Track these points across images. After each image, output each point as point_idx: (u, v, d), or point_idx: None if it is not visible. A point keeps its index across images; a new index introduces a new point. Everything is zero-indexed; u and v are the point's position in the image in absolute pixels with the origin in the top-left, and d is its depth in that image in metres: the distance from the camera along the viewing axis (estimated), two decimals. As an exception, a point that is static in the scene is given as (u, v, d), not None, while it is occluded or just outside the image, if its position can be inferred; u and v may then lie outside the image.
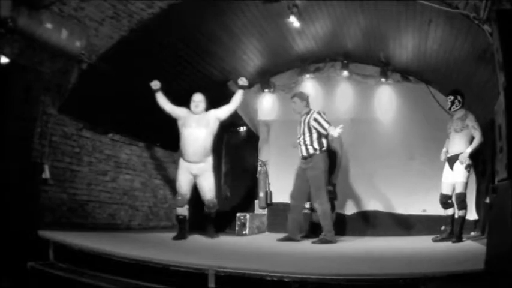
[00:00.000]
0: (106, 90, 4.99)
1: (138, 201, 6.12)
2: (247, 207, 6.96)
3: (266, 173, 6.98)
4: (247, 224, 6.03)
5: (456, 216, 4.73)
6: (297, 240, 4.89)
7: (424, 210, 6.17)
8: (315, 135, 4.85)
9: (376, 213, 6.50)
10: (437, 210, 5.19)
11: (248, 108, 6.97)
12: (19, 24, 3.74)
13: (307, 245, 4.59)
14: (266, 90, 7.22)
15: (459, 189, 4.62)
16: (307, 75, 7.01)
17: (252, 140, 7.44)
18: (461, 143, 4.65)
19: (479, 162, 5.55)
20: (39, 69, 4.27)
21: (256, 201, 7.01)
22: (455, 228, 4.66)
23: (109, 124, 5.51)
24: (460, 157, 4.59)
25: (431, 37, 5.18)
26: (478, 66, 4.78)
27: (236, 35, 5.65)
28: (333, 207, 5.85)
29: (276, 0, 4.93)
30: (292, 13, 5.07)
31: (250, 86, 6.14)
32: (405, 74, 6.69)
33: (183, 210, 4.80)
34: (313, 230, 5.53)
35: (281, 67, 7.07)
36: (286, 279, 2.35)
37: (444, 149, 4.92)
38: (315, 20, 5.57)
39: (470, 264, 2.58)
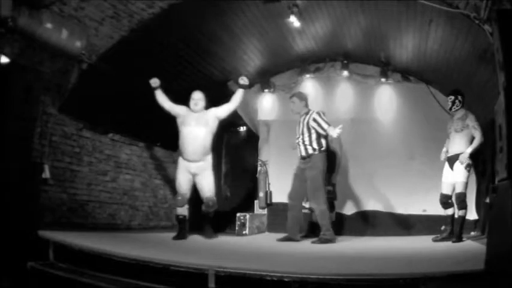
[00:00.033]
0: (106, 90, 4.99)
1: (138, 201, 6.13)
2: (247, 207, 6.96)
3: (266, 173, 6.98)
4: (247, 224, 6.03)
5: (456, 216, 4.73)
6: (297, 240, 4.89)
7: (424, 210, 6.17)
8: (314, 136, 4.85)
9: (376, 213, 6.50)
10: (437, 210, 5.18)
11: (248, 108, 6.97)
12: (19, 24, 3.74)
13: (307, 245, 4.58)
14: (266, 90, 7.22)
15: (459, 189, 4.62)
16: (307, 75, 7.01)
17: (252, 140, 7.44)
18: (461, 143, 4.65)
19: (479, 162, 5.55)
20: (39, 69, 4.27)
21: (256, 201, 7.01)
22: (455, 228, 4.66)
23: (109, 124, 5.51)
24: (460, 157, 4.59)
25: (431, 37, 5.18)
26: (478, 66, 4.78)
27: (236, 35, 5.65)
28: (332, 207, 5.85)
29: (277, 0, 4.93)
30: (292, 13, 5.07)
31: (251, 85, 6.14)
32: (405, 74, 6.69)
33: (183, 210, 4.79)
34: (312, 230, 5.53)
35: (281, 67, 7.07)
36: (286, 279, 2.35)
37: (444, 149, 4.92)
38: (315, 20, 5.57)
39: (470, 264, 2.58)
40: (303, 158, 4.92)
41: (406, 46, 5.83)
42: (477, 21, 3.84)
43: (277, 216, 6.44)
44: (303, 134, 4.91)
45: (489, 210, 3.80)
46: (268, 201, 6.85)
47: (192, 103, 4.79)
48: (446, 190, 4.79)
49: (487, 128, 4.59)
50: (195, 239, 4.87)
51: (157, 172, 6.55)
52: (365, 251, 4.18)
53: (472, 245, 4.20)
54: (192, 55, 5.65)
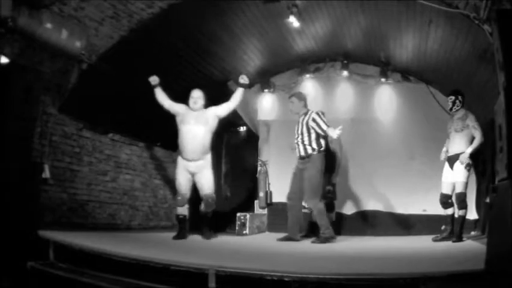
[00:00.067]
0: (106, 90, 4.99)
1: (138, 201, 6.13)
2: (248, 207, 6.96)
3: (266, 172, 6.98)
4: (247, 224, 6.03)
5: (456, 215, 4.74)
6: (297, 240, 4.89)
7: (424, 210, 6.17)
8: (313, 136, 4.84)
9: (376, 213, 6.50)
10: (437, 210, 5.19)
11: (248, 108, 6.97)
12: (19, 24, 3.74)
13: (307, 245, 4.59)
14: (266, 90, 7.22)
15: (459, 188, 4.62)
16: (307, 75, 7.01)
17: (252, 140, 7.44)
18: (461, 143, 4.66)
19: (479, 162, 5.56)
20: (39, 69, 4.27)
21: (256, 201, 7.01)
22: (456, 228, 4.67)
23: (109, 124, 5.51)
24: (460, 157, 4.59)
25: (431, 37, 5.19)
26: (478, 66, 4.78)
27: (236, 35, 5.65)
28: (332, 207, 5.85)
29: (277, 0, 4.93)
30: (292, 13, 5.07)
31: (251, 85, 6.14)
32: (405, 74, 6.69)
33: (183, 210, 4.78)
34: (312, 230, 5.53)
35: (281, 67, 7.08)
36: (286, 279, 2.35)
37: (444, 149, 4.93)
38: (315, 20, 5.57)
39: (471, 264, 2.58)
40: (301, 158, 4.91)
41: (406, 46, 5.83)
42: (477, 21, 3.84)
43: (277, 216, 6.44)
44: (302, 134, 4.90)
45: (489, 210, 3.80)
46: (268, 201, 6.85)
47: (191, 101, 4.76)
48: (446, 190, 4.79)
49: (487, 128, 4.59)
50: (195, 238, 4.86)
51: (157, 172, 6.55)
52: (365, 251, 4.18)
53: (472, 245, 4.20)
54: (192, 55, 5.65)
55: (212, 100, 4.98)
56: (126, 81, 5.05)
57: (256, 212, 6.92)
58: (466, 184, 4.64)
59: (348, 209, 6.60)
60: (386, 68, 6.60)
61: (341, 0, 5.08)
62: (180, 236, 4.68)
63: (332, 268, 2.74)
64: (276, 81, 7.24)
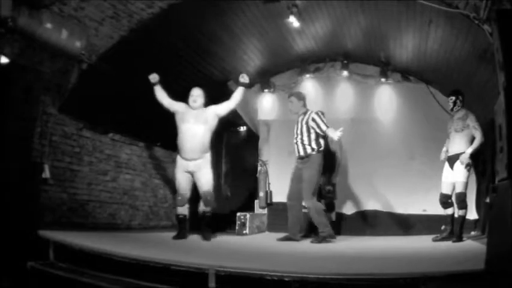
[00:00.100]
0: (106, 90, 4.99)
1: (138, 201, 6.13)
2: (248, 206, 6.97)
3: (266, 172, 6.98)
4: (248, 224, 6.03)
5: (456, 215, 4.74)
6: (297, 240, 4.89)
7: (424, 210, 6.17)
8: (313, 136, 4.84)
9: (376, 213, 6.50)
10: (437, 210, 5.18)
11: (248, 108, 6.97)
12: (19, 24, 3.74)
13: (307, 245, 4.59)
14: (266, 90, 7.22)
15: (459, 188, 4.62)
16: (307, 75, 7.01)
17: (252, 139, 7.44)
18: (461, 142, 4.66)
19: (480, 162, 5.56)
20: (39, 69, 4.27)
21: (256, 201, 7.01)
22: (455, 228, 4.67)
23: (109, 124, 5.51)
24: (461, 157, 4.59)
25: (431, 37, 5.19)
26: (478, 66, 4.78)
27: (236, 35, 5.65)
28: (332, 207, 5.86)
29: (277, 0, 4.93)
30: (292, 13, 5.07)
31: (251, 85, 6.13)
32: (405, 74, 6.69)
33: (183, 210, 4.76)
34: (312, 230, 5.53)
35: (281, 67, 7.08)
36: (286, 279, 2.35)
37: (444, 148, 4.93)
38: (315, 20, 5.57)
39: (471, 264, 2.58)
40: (301, 157, 4.91)
41: (406, 46, 5.83)
42: (477, 21, 3.84)
43: (278, 215, 6.44)
44: (301, 133, 4.89)
45: (489, 210, 3.80)
46: (269, 201, 6.85)
47: (190, 100, 4.72)
48: (446, 190, 4.79)
49: (487, 128, 4.59)
50: (195, 238, 4.86)
51: (157, 172, 6.55)
52: (365, 251, 4.18)
53: (472, 245, 4.20)
54: (192, 55, 5.65)
55: (212, 100, 4.98)
56: (126, 81, 5.04)
57: (256, 211, 6.92)
58: (466, 184, 4.64)
59: (348, 209, 6.60)
60: (386, 68, 6.60)
61: (341, 0, 5.08)
62: (180, 235, 4.67)
63: (332, 268, 2.74)
64: (276, 81, 7.23)
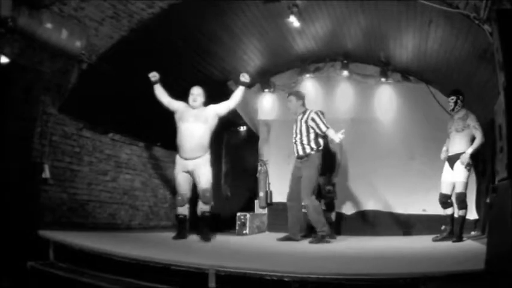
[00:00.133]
0: (106, 90, 4.99)
1: (138, 201, 6.13)
2: (248, 206, 6.97)
3: (266, 172, 6.98)
4: (248, 224, 6.03)
5: (456, 215, 4.74)
6: (297, 240, 4.88)
7: (424, 210, 6.17)
8: (312, 135, 4.82)
9: (376, 213, 6.51)
10: (437, 210, 5.18)
11: (248, 107, 6.97)
12: (19, 24, 3.74)
13: (307, 245, 4.58)
14: (266, 90, 7.23)
15: (459, 189, 4.62)
16: (307, 75, 7.02)
17: (252, 139, 7.44)
18: (461, 142, 4.65)
19: (479, 162, 5.56)
20: (39, 69, 4.27)
21: (256, 201, 7.01)
22: (455, 228, 4.67)
23: (109, 124, 5.51)
24: (461, 157, 4.59)
25: (431, 37, 5.19)
26: (478, 66, 4.78)
27: (236, 35, 5.65)
28: (332, 207, 5.85)
29: (277, 0, 4.93)
30: (292, 13, 5.07)
31: (251, 85, 6.13)
32: (405, 73, 6.69)
33: (184, 210, 4.74)
34: (312, 230, 5.54)
35: (281, 67, 7.08)
36: (286, 279, 2.35)
37: (444, 148, 4.92)
38: (315, 20, 5.57)
39: (471, 264, 2.58)
40: (300, 157, 4.89)
41: (406, 46, 5.83)
42: (477, 21, 3.84)
43: (278, 215, 6.44)
44: (300, 133, 4.88)
45: (489, 210, 3.81)
46: (269, 201, 6.86)
47: (190, 98, 4.67)
48: (446, 190, 4.79)
49: (487, 128, 4.59)
50: (195, 238, 4.86)
51: (157, 172, 6.55)
52: (365, 251, 4.18)
53: (472, 245, 4.20)
54: (192, 55, 5.65)
55: (212, 100, 4.97)
56: (126, 81, 5.05)
57: (256, 211, 6.92)
58: (466, 184, 4.64)
59: (348, 209, 6.60)
60: (387, 68, 6.60)
61: (341, 0, 5.08)
62: (180, 235, 4.66)
63: (332, 268, 2.74)
64: (276, 81, 7.24)
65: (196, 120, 4.59)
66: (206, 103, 4.78)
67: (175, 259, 2.75)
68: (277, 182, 6.73)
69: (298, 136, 4.88)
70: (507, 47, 2.36)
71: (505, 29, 2.40)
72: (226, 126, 6.98)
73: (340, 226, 6.34)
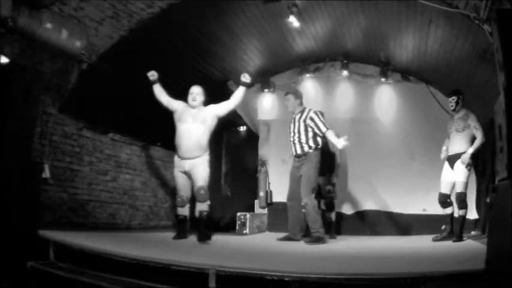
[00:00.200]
0: (106, 90, 4.99)
1: (138, 201, 6.13)
2: (248, 206, 6.97)
3: (266, 172, 6.99)
4: (248, 224, 6.03)
5: (456, 215, 4.74)
6: (297, 240, 4.88)
7: (424, 210, 6.17)
8: (310, 134, 4.79)
9: (376, 213, 6.51)
10: (437, 209, 5.17)
11: (248, 107, 6.97)
12: (19, 24, 3.74)
13: (307, 245, 4.58)
14: (266, 90, 7.23)
15: (459, 188, 4.62)
16: (307, 75, 7.02)
17: (252, 139, 7.45)
18: (461, 142, 4.66)
19: (480, 162, 5.56)
20: (39, 69, 4.27)
21: (256, 201, 7.01)
22: (456, 228, 4.67)
23: (109, 124, 5.51)
24: (462, 157, 4.58)
25: (431, 37, 5.19)
26: (478, 66, 4.78)
27: (236, 35, 5.66)
28: (332, 207, 5.85)
29: (277, 0, 4.93)
30: (292, 13, 5.07)
31: (251, 85, 6.12)
32: (405, 73, 6.69)
33: (184, 211, 4.71)
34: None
35: (281, 67, 7.08)
36: (286, 279, 2.35)
37: (444, 148, 4.92)
38: (315, 20, 5.57)
39: (471, 263, 2.58)
40: (298, 156, 4.87)
41: (406, 46, 5.83)
42: (477, 21, 3.84)
43: (278, 215, 6.45)
44: (299, 132, 4.84)
45: (489, 210, 3.81)
46: (269, 201, 6.86)
47: (190, 98, 4.60)
48: (445, 189, 4.79)
49: (487, 128, 4.59)
50: (196, 238, 4.86)
51: (157, 172, 6.55)
52: (365, 251, 4.18)
53: (473, 245, 4.20)
54: (192, 55, 5.65)
55: (212, 100, 4.97)
56: (126, 81, 5.05)
57: (256, 211, 6.92)
58: (466, 184, 4.64)
59: (348, 209, 6.60)
60: (387, 67, 6.60)
61: (341, 0, 5.09)
62: (180, 236, 4.65)
63: (332, 268, 2.74)
64: (276, 81, 7.24)
65: (194, 121, 4.52)
66: (206, 103, 4.72)
67: (175, 259, 2.75)
68: (277, 182, 6.74)
69: (297, 135, 4.86)
70: (507, 47, 2.36)
71: (505, 29, 2.40)
72: (226, 126, 6.99)
73: (340, 226, 6.35)
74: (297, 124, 4.89)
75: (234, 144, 7.85)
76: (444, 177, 4.80)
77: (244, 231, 5.99)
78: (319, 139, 4.85)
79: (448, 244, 4.43)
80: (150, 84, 4.60)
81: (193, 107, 4.60)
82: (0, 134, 3.73)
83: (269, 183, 6.93)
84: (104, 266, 2.90)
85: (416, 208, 6.27)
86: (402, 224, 6.32)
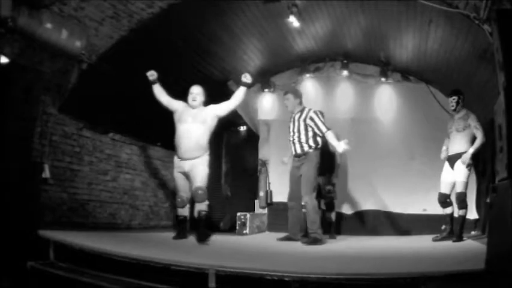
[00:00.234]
0: (106, 90, 4.99)
1: (138, 201, 6.13)
2: (248, 206, 6.97)
3: (266, 172, 6.99)
4: (248, 224, 6.03)
5: (456, 215, 4.74)
6: (297, 240, 4.87)
7: (424, 210, 6.17)
8: (310, 134, 4.77)
9: (376, 213, 6.51)
10: (437, 209, 5.17)
11: (248, 107, 6.97)
12: (19, 24, 3.74)
13: (303, 245, 4.58)
14: (266, 90, 7.23)
15: (459, 188, 4.61)
16: (307, 75, 7.02)
17: (252, 139, 7.45)
18: (461, 142, 4.65)
19: (480, 162, 5.56)
20: (39, 69, 4.27)
21: (256, 201, 7.01)
22: (456, 228, 4.67)
23: (109, 124, 5.52)
24: (462, 157, 4.58)
25: (431, 37, 5.19)
26: (478, 65, 4.78)
27: (236, 35, 5.66)
28: (332, 207, 5.85)
29: (277, 0, 4.93)
30: (292, 13, 5.07)
31: (251, 85, 6.11)
32: (405, 73, 6.70)
33: (184, 211, 4.70)
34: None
35: (281, 67, 7.08)
36: (286, 279, 2.35)
37: (444, 147, 4.92)
38: (315, 20, 5.57)
39: (471, 263, 2.58)
40: (298, 156, 4.85)
41: (406, 46, 5.83)
42: (477, 21, 3.84)
43: (278, 215, 6.45)
44: (298, 131, 4.82)
45: (489, 210, 3.81)
46: (269, 201, 6.86)
47: (190, 98, 4.56)
48: (445, 189, 4.79)
49: (487, 128, 4.59)
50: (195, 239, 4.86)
51: (157, 172, 6.55)
52: (365, 251, 4.18)
53: (473, 245, 4.20)
54: (192, 55, 5.65)
55: (212, 100, 4.97)
56: (126, 81, 5.04)
57: (256, 211, 6.92)
58: (466, 184, 4.64)
59: (348, 209, 6.60)
60: (387, 67, 6.61)
61: (341, 0, 5.09)
62: (180, 236, 4.64)
63: (332, 268, 2.74)
64: (276, 80, 7.24)
65: (194, 121, 4.48)
66: (206, 103, 4.69)
67: (175, 259, 2.75)
68: (277, 182, 6.73)
69: (296, 135, 4.84)
70: (507, 47, 2.36)
71: (505, 29, 2.40)
72: (226, 126, 6.98)
73: (340, 226, 6.34)
74: (296, 124, 4.87)
75: (234, 144, 7.85)
76: (444, 177, 4.80)
77: (244, 231, 5.99)
78: (319, 139, 4.83)
79: (448, 244, 4.43)
80: (149, 84, 4.57)
81: (193, 107, 4.56)
82: (0, 134, 3.73)
83: (269, 183, 6.93)
84: (104, 266, 2.90)
85: (416, 208, 6.27)
86: (402, 224, 6.32)
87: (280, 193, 6.45)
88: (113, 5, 4.34)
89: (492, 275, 2.18)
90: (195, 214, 4.54)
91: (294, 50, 6.48)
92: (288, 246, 4.37)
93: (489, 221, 3.11)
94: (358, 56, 6.68)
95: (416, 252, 3.88)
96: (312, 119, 4.78)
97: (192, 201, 4.76)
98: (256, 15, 5.30)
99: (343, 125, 6.43)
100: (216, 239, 4.94)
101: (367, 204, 6.56)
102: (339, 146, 4.54)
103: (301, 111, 4.89)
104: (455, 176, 4.66)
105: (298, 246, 4.52)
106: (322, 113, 4.91)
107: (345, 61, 6.68)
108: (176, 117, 4.58)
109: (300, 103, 4.98)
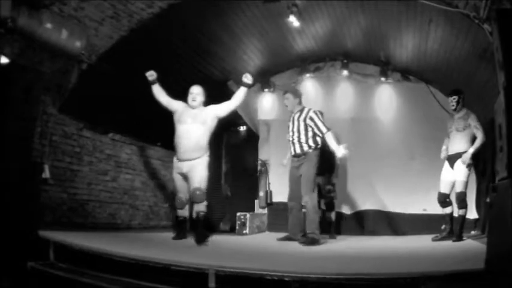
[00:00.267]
0: (106, 90, 4.99)
1: (138, 201, 6.13)
2: (248, 206, 6.97)
3: (266, 172, 6.98)
4: (248, 224, 6.03)
5: (455, 215, 4.74)
6: (297, 240, 4.87)
7: (424, 210, 6.17)
8: (310, 134, 4.76)
9: (376, 213, 6.51)
10: (437, 209, 5.17)
11: (248, 107, 6.97)
12: (19, 24, 3.74)
13: (301, 245, 4.57)
14: (266, 90, 7.24)
15: (459, 188, 4.61)
16: (307, 75, 7.02)
17: (252, 139, 7.45)
18: (461, 142, 4.65)
19: (480, 161, 5.56)
20: (39, 69, 4.27)
21: (256, 201, 7.01)
22: (455, 227, 4.67)
23: (109, 124, 5.52)
24: (463, 157, 4.58)
25: (431, 37, 5.19)
26: (478, 65, 4.78)
27: (237, 35, 5.66)
28: (332, 207, 5.85)
29: (277, 0, 4.93)
30: (292, 13, 5.07)
31: (253, 85, 6.10)
32: (405, 73, 6.70)
33: (183, 212, 4.69)
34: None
35: (281, 67, 7.08)
36: (286, 279, 2.35)
37: (444, 147, 4.92)
38: (315, 19, 5.57)
39: (471, 263, 2.58)
40: (297, 155, 4.84)
41: (406, 46, 5.83)
42: (477, 21, 3.84)
43: (278, 215, 6.45)
44: (298, 131, 4.81)
45: (489, 210, 3.80)
46: (269, 201, 6.86)
47: (190, 98, 4.52)
48: (445, 189, 4.79)
49: (487, 128, 4.59)
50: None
51: (157, 172, 6.55)
52: (365, 251, 4.18)
53: (472, 244, 4.20)
54: (192, 55, 5.65)
55: (212, 100, 4.96)
56: (126, 81, 5.04)
57: (256, 211, 6.92)
58: (466, 183, 4.64)
59: (348, 209, 6.60)
60: (387, 67, 6.61)
61: (341, 0, 5.09)
62: (180, 236, 4.64)
63: (332, 268, 2.74)
64: (276, 80, 7.24)
65: (194, 121, 4.44)
66: (206, 103, 4.65)
67: (175, 259, 2.75)
68: (277, 182, 6.73)
69: (296, 134, 4.83)
70: (507, 46, 2.36)
71: (504, 28, 2.40)
72: (226, 126, 6.98)
73: (340, 226, 6.34)
74: (296, 123, 4.86)
75: (234, 144, 7.85)
76: (444, 176, 4.80)
77: (244, 231, 5.99)
78: (318, 139, 4.82)
79: (448, 244, 4.43)
80: (149, 84, 4.53)
81: (193, 108, 4.52)
82: (0, 134, 3.73)
83: (269, 183, 6.93)
84: (103, 266, 2.90)
85: (416, 208, 6.27)
86: (402, 224, 6.32)
87: (280, 193, 6.45)
88: (113, 5, 4.34)
89: (492, 275, 2.18)
90: (193, 214, 4.50)
91: (294, 50, 6.48)
92: (288, 246, 4.37)
93: (489, 221, 3.11)
94: (358, 56, 6.68)
95: (416, 252, 3.88)
96: (311, 119, 4.77)
97: (192, 202, 4.76)
98: (256, 15, 5.30)
99: (343, 125, 6.43)
100: (216, 239, 4.94)
101: (367, 204, 6.56)
102: (338, 151, 4.53)
103: (301, 111, 4.88)
104: (455, 176, 4.66)
105: (298, 246, 4.51)
106: (321, 113, 4.90)
107: (345, 61, 6.68)
108: (176, 117, 4.54)
109: (300, 103, 4.97)
